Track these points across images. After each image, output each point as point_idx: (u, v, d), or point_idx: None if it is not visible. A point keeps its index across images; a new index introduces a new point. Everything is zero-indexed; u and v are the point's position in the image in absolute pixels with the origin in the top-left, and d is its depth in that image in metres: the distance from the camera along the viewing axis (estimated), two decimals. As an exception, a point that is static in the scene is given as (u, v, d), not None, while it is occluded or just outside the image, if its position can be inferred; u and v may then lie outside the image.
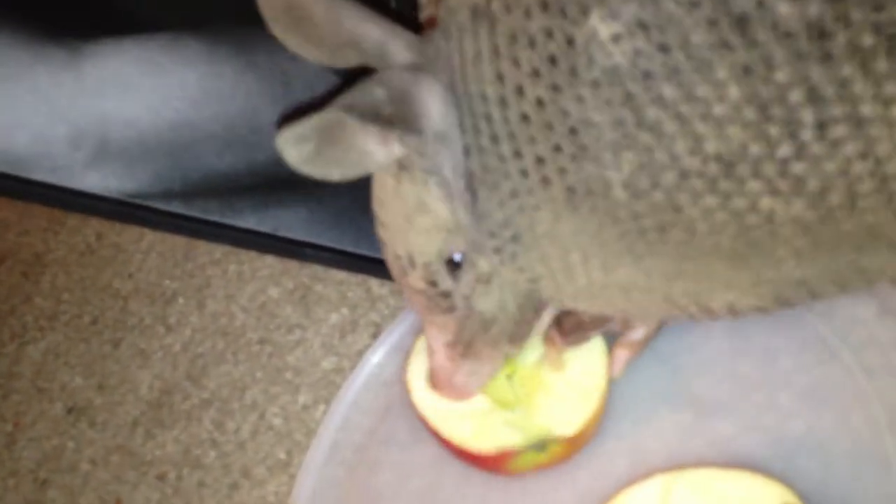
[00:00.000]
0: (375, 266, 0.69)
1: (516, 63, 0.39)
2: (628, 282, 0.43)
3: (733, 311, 0.44)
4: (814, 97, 0.35)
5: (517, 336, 0.51)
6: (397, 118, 0.42)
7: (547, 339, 0.55)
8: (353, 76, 0.44)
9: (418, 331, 0.61)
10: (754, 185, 0.37)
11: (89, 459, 0.78)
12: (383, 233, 0.49)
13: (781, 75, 0.35)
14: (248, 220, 0.68)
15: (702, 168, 0.37)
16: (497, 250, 0.45)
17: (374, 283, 0.76)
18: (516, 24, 0.39)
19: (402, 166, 0.45)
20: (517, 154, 0.41)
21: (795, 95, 0.35)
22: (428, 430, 0.57)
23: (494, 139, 0.41)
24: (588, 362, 0.56)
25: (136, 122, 0.65)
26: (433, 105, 0.43)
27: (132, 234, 0.89)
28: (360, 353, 0.68)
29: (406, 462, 0.61)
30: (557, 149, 0.40)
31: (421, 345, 0.59)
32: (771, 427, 0.52)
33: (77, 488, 0.77)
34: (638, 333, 0.55)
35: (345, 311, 0.76)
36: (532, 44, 0.38)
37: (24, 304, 0.90)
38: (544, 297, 0.47)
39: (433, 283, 0.48)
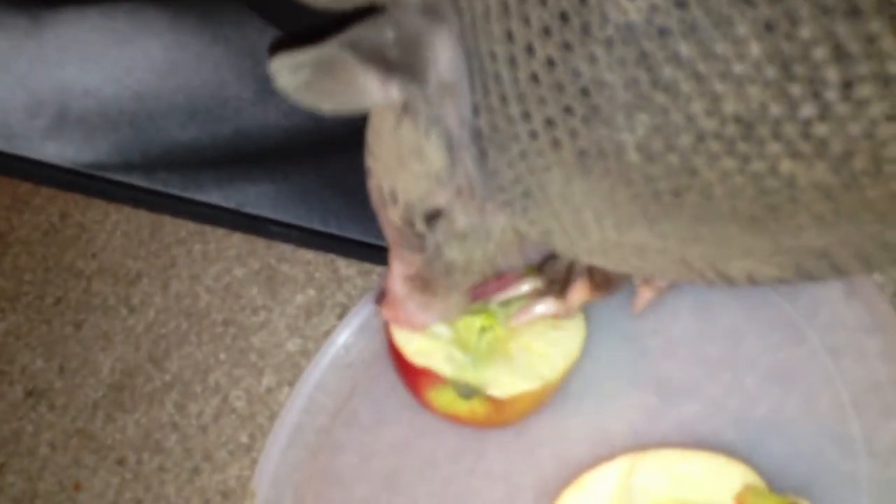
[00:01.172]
0: (343, 245, 0.69)
1: (526, 21, 0.38)
2: (643, 242, 0.42)
3: (752, 280, 0.43)
4: (839, 54, 0.33)
5: (474, 282, 0.51)
6: (402, 63, 0.40)
7: (576, 289, 0.54)
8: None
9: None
10: (774, 148, 0.36)
11: (48, 443, 0.77)
12: (372, 162, 0.48)
13: (806, 31, 0.33)
14: (213, 196, 0.67)
15: (719, 130, 0.36)
16: (508, 203, 0.44)
17: (342, 264, 0.74)
18: None
19: (405, 109, 0.44)
20: (526, 115, 0.40)
21: (820, 52, 0.33)
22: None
23: (503, 100, 0.40)
24: (558, 352, 0.55)
25: (96, 92, 0.63)
26: (443, 54, 0.41)
27: (96, 213, 0.87)
28: (326, 335, 0.67)
29: (369, 444, 0.60)
30: (568, 110, 0.38)
31: None
32: (736, 409, 0.52)
33: (35, 472, 0.76)
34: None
35: (311, 291, 0.75)
36: (543, 0, 0.37)
37: (-16, 285, 0.88)
38: (558, 250, 0.46)
39: (410, 223, 0.48)
